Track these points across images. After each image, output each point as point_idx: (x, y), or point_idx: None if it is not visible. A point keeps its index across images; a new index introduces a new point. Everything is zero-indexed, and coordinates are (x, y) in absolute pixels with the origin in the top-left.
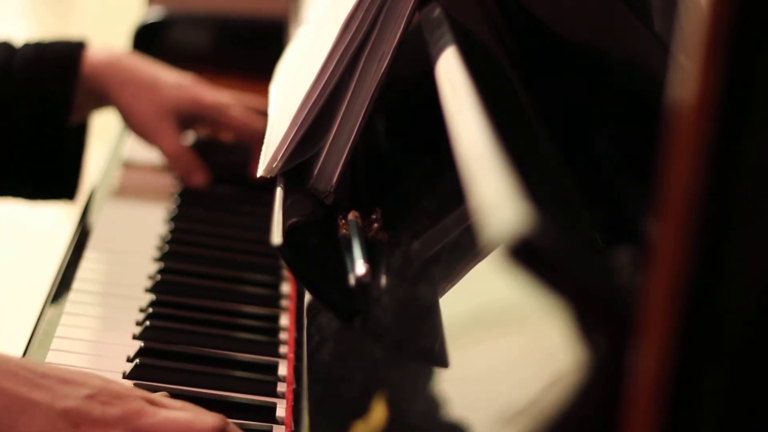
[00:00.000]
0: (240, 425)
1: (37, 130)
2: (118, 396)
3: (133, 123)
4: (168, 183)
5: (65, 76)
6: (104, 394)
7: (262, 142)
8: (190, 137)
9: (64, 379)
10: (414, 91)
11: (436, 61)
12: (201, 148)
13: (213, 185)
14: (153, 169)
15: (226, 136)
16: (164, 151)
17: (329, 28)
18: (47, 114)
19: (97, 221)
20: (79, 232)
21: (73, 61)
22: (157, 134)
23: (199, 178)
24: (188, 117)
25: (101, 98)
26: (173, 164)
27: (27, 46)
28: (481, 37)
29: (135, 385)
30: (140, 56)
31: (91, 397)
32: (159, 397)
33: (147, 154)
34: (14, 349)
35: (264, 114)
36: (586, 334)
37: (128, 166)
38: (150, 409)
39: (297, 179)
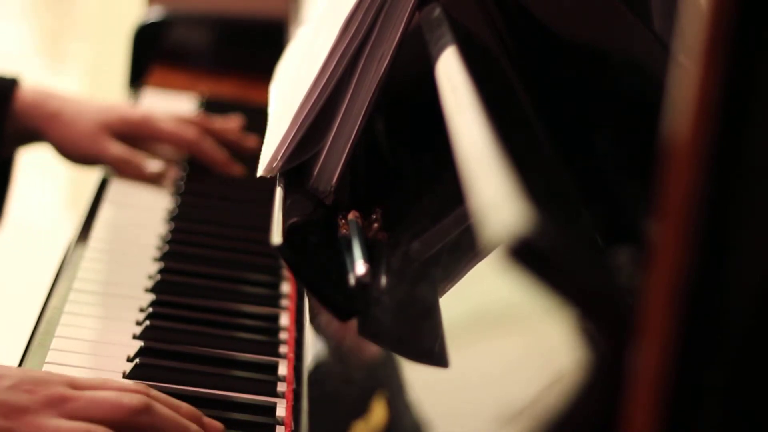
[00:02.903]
0: (240, 425)
1: None
2: (39, 382)
3: (70, 150)
4: (168, 183)
5: None
6: (26, 382)
7: (198, 149)
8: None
9: None
10: (414, 91)
11: (436, 61)
12: None
13: (213, 184)
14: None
15: (161, 149)
16: (108, 160)
17: (329, 28)
18: None
19: (97, 221)
20: (80, 231)
21: (3, 98)
22: (97, 151)
23: (157, 174)
24: (120, 135)
25: (30, 135)
26: (123, 168)
27: None
28: (481, 37)
29: None
30: (66, 93)
31: (13, 387)
32: (79, 378)
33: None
34: (14, 348)
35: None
36: (586, 334)
37: None
38: (72, 393)
39: (297, 179)
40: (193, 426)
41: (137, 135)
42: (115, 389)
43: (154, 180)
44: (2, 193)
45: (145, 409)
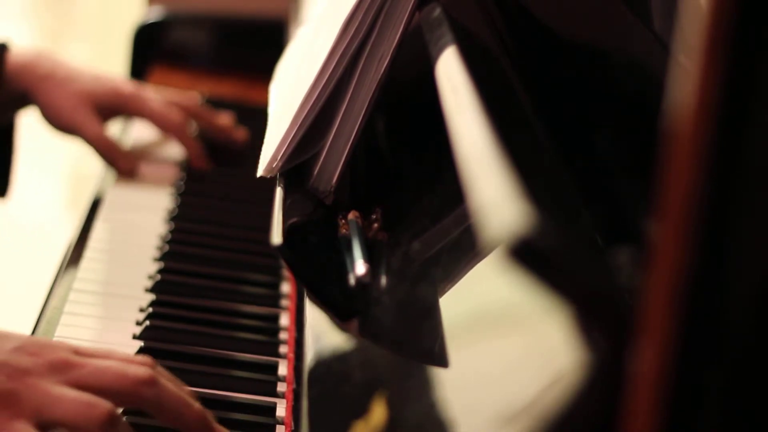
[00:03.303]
0: (240, 425)
1: None
2: (44, 346)
3: (51, 115)
4: (168, 182)
5: None
6: (30, 345)
7: (180, 134)
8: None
9: None
10: (414, 91)
11: (436, 61)
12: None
13: (213, 184)
14: (153, 168)
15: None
16: (86, 138)
17: (329, 28)
18: None
19: (97, 221)
20: (80, 231)
21: None
22: (76, 123)
23: (127, 164)
24: (107, 107)
25: (22, 98)
26: (98, 150)
27: None
28: (481, 37)
29: None
30: (59, 55)
31: (18, 349)
32: (84, 347)
33: (147, 154)
34: None
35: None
36: (586, 334)
37: None
38: (77, 359)
39: (297, 179)
40: (197, 404)
41: (125, 109)
42: (121, 360)
43: (125, 173)
44: (7, 161)
45: (151, 381)
